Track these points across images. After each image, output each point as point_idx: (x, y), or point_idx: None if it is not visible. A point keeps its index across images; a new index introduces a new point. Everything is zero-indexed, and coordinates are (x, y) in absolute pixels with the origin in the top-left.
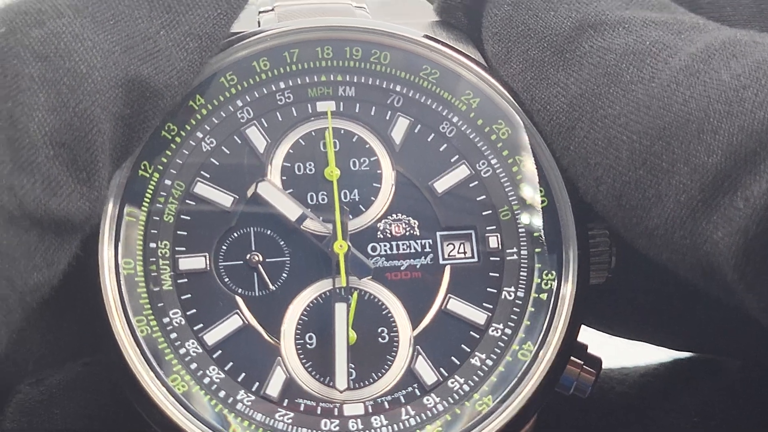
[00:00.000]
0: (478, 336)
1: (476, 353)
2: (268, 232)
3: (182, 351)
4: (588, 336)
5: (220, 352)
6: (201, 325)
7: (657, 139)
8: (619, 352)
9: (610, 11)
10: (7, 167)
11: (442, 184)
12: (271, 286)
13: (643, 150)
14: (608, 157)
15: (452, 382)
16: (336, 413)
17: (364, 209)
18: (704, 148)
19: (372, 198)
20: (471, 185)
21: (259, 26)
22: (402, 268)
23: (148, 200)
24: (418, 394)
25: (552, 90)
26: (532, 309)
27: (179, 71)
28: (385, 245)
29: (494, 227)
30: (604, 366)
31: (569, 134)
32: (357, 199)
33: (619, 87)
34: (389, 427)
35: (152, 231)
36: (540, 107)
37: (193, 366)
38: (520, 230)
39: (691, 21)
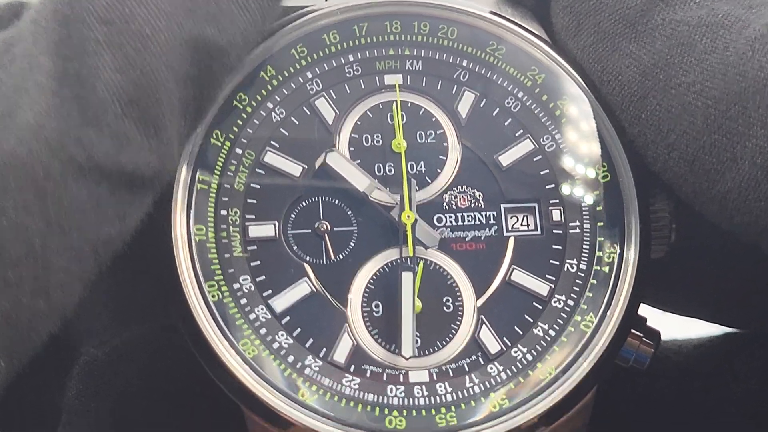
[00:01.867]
0: (540, 307)
1: (539, 323)
2: (336, 201)
3: (252, 316)
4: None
5: (288, 318)
6: (270, 291)
7: (733, 104)
8: (668, 327)
9: None
10: (76, 121)
11: (506, 158)
12: (339, 255)
13: (719, 115)
14: (682, 123)
15: (515, 352)
16: (401, 380)
17: (430, 181)
18: None
19: (438, 170)
20: (535, 159)
21: (328, 0)
22: (467, 239)
23: (219, 168)
24: (482, 362)
25: (624, 61)
26: (594, 281)
27: (243, 30)
28: (450, 216)
29: (557, 201)
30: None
31: (642, 103)
32: (423, 171)
33: (693, 56)
34: (453, 394)
35: (223, 198)
36: (611, 78)
37: (263, 331)
38: (582, 204)
39: None
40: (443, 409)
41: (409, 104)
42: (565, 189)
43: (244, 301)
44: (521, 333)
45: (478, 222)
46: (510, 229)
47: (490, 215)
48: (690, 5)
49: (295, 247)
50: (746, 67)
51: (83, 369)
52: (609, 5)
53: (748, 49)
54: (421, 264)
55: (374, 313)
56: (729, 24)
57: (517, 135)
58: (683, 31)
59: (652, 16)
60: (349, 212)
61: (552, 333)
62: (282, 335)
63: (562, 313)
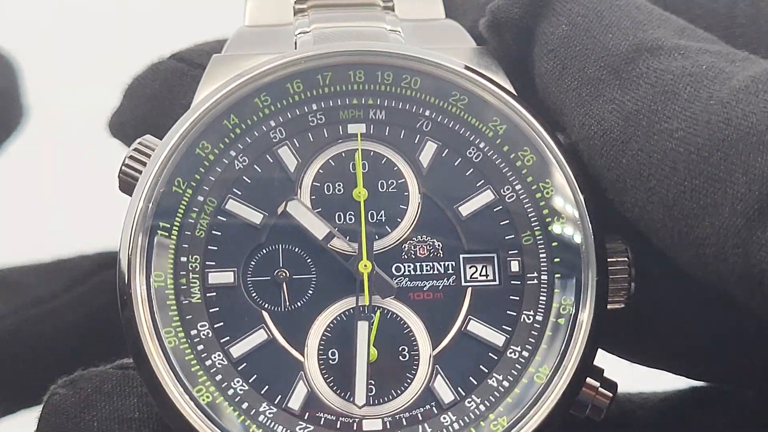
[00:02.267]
0: (496, 357)
1: (494, 374)
2: (296, 249)
3: (208, 363)
4: (606, 362)
5: (245, 364)
6: (228, 337)
7: (715, 150)
8: (635, 379)
9: (666, 38)
10: None
11: (467, 208)
12: (296, 302)
13: (701, 161)
14: (664, 168)
15: (469, 402)
16: (355, 428)
17: (389, 230)
18: (764, 158)
19: (398, 219)
20: (495, 210)
21: (296, 48)
22: (425, 289)
23: (180, 215)
24: (436, 412)
25: (608, 106)
26: (550, 333)
27: None
28: (409, 266)
29: (516, 251)
30: (624, 390)
31: (623, 147)
32: (383, 220)
33: (677, 104)
34: None
35: (183, 245)
36: (593, 122)
37: (219, 377)
38: (541, 255)
39: (743, 54)
40: None
41: (372, 153)
42: (525, 240)
43: (201, 347)
44: (476, 383)
45: (436, 272)
46: (468, 279)
47: (448, 265)
48: (675, 56)
49: (254, 294)
50: (730, 115)
51: (52, 409)
52: (594, 52)
53: (732, 98)
54: (378, 313)
55: (330, 361)
56: (713, 75)
57: (477, 185)
58: (667, 80)
59: (637, 65)
60: (309, 260)
61: (506, 384)
62: (238, 382)
63: (516, 364)
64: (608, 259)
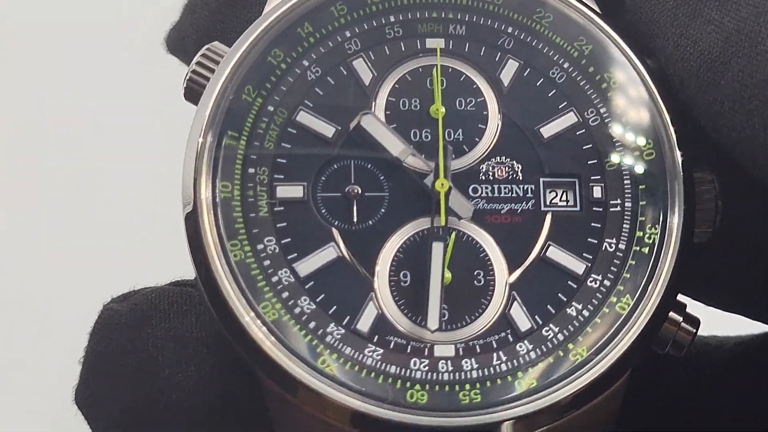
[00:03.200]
0: (575, 286)
1: (573, 303)
2: (369, 166)
3: (274, 279)
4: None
5: (312, 282)
6: (295, 254)
7: None
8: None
9: None
10: None
11: (548, 130)
12: (368, 221)
13: None
14: (766, 89)
15: (546, 331)
16: (426, 353)
17: (467, 150)
18: None
19: (476, 139)
20: (578, 133)
21: None
22: (502, 212)
23: (249, 125)
24: (511, 340)
25: (706, 27)
26: (633, 262)
27: None
28: (486, 187)
29: (599, 177)
30: (699, 333)
31: (722, 69)
32: (461, 139)
33: None
34: (479, 371)
35: (252, 156)
36: (690, 43)
37: (285, 295)
38: (625, 182)
39: None
40: (467, 386)
41: (450, 69)
42: (608, 165)
43: (267, 262)
44: (553, 312)
45: (515, 195)
46: (548, 204)
47: (527, 188)
48: None
49: (323, 210)
50: None
51: (105, 324)
52: None
53: None
54: (453, 235)
55: (401, 283)
56: None
57: (560, 107)
58: None
59: None
60: (382, 177)
61: (586, 313)
62: (305, 300)
63: (597, 294)
64: (695, 189)
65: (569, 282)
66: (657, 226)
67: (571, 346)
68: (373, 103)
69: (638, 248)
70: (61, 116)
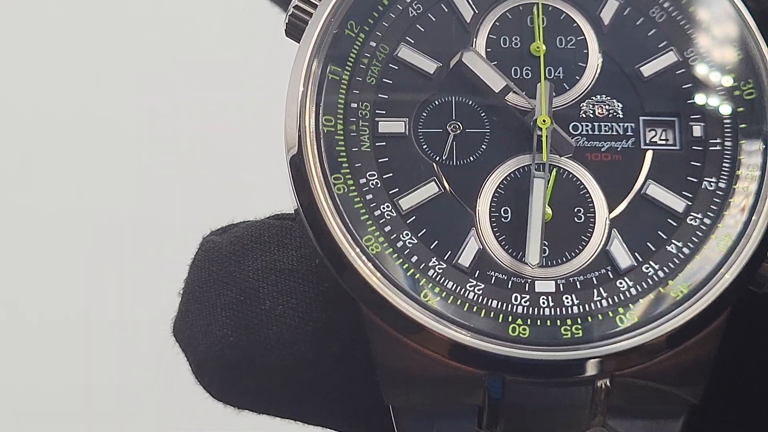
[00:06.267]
0: (675, 224)
1: (673, 241)
2: (470, 102)
3: (377, 213)
4: None
5: (414, 217)
6: (397, 189)
7: None
8: None
9: None
10: None
11: (648, 69)
12: (470, 157)
13: None
14: None
15: (647, 268)
16: (527, 288)
17: (568, 88)
18: None
19: (576, 77)
20: (678, 72)
21: None
22: (602, 150)
23: (352, 60)
24: (611, 276)
25: None
26: (733, 201)
27: None
28: (586, 125)
29: (699, 116)
30: None
31: None
32: (561, 77)
33: None
34: (580, 306)
35: (354, 91)
36: None
37: (387, 228)
38: (725, 121)
39: None
40: (569, 321)
41: (550, 8)
42: (708, 104)
43: (369, 196)
44: (654, 249)
45: (615, 133)
46: (648, 142)
47: (627, 127)
48: None
49: (425, 146)
50: None
51: (206, 255)
52: None
53: None
54: (554, 172)
55: (502, 219)
56: None
57: (660, 46)
58: None
59: None
60: (483, 114)
61: (686, 251)
62: (407, 234)
63: (697, 231)
64: None
65: (669, 220)
66: (757, 165)
67: (671, 282)
68: (474, 40)
69: (738, 187)
70: (159, 56)
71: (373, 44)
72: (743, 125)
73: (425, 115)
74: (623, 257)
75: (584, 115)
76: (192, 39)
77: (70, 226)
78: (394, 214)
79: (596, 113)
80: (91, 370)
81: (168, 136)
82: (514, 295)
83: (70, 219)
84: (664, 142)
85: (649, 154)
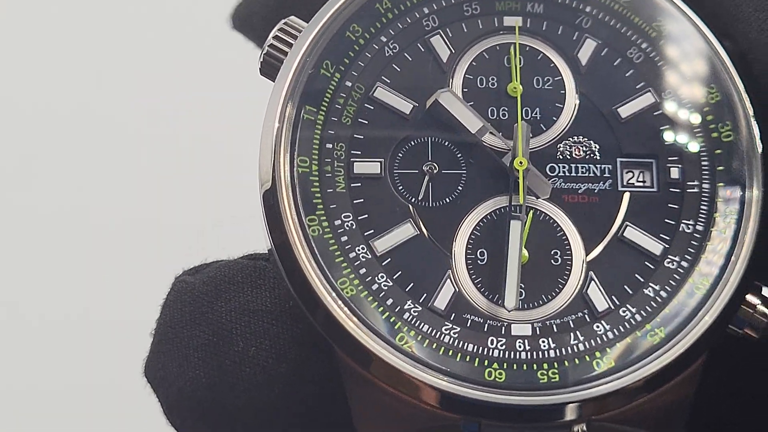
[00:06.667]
0: (653, 267)
1: (650, 284)
2: (446, 143)
3: (352, 255)
4: None
5: (389, 259)
6: (372, 230)
7: None
8: None
9: None
10: None
11: (626, 110)
12: (446, 198)
13: None
14: None
15: (624, 311)
16: (503, 332)
17: (545, 128)
18: None
19: (554, 118)
20: (655, 113)
21: None
22: (579, 191)
23: (327, 100)
24: (588, 320)
25: None
26: (711, 244)
27: None
28: (563, 167)
29: (676, 158)
30: None
31: None
32: (538, 118)
33: None
34: (556, 350)
35: (329, 131)
36: None
37: (362, 271)
38: (703, 163)
39: None
40: (545, 365)
41: (528, 48)
42: (686, 146)
43: (344, 238)
44: (631, 292)
45: (592, 174)
46: (625, 183)
47: (605, 168)
48: None
49: (400, 187)
50: None
51: (178, 296)
52: None
53: None
54: (530, 213)
55: (478, 261)
56: None
57: (638, 87)
58: None
59: None
60: (459, 155)
61: (663, 294)
62: (382, 277)
63: (675, 275)
64: None
65: (646, 263)
66: (735, 208)
67: (648, 326)
68: (451, 81)
69: (716, 230)
70: (158, 55)
71: (349, 84)
72: (721, 167)
73: (401, 155)
74: (600, 300)
75: (561, 157)
76: (191, 39)
77: (70, 226)
78: (369, 256)
79: (573, 154)
80: (90, 369)
81: (168, 136)
82: (490, 338)
83: (69, 218)
84: (641, 184)
85: (626, 196)
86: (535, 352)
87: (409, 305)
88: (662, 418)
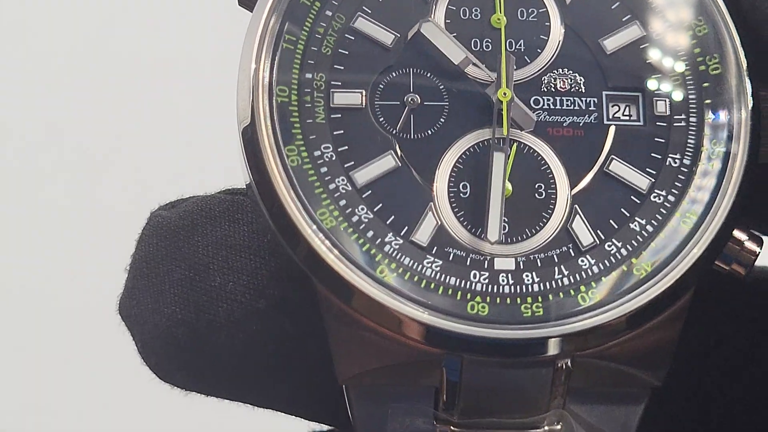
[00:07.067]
0: (639, 201)
1: (636, 218)
2: (428, 74)
3: (331, 186)
4: None
5: (369, 192)
6: (352, 162)
7: None
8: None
9: None
10: None
11: (611, 43)
12: (427, 130)
13: None
14: None
15: (609, 246)
16: (486, 266)
17: (529, 60)
18: None
19: (538, 50)
20: (642, 46)
21: None
22: (564, 125)
23: (307, 29)
24: (573, 254)
25: None
26: (698, 178)
27: None
28: (548, 99)
29: (663, 92)
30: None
31: None
32: (523, 50)
33: None
34: (541, 284)
35: (309, 61)
36: None
37: (342, 203)
38: (690, 97)
39: None
40: (529, 299)
41: None
42: (672, 79)
43: (324, 169)
44: (616, 227)
45: (577, 107)
46: (611, 117)
47: (590, 101)
48: None
49: (381, 119)
50: None
51: (154, 231)
52: None
53: None
54: (514, 146)
55: (461, 194)
56: None
57: (624, 20)
58: None
59: None
60: (441, 87)
61: (649, 228)
62: (362, 209)
63: (661, 209)
64: (761, 106)
65: (632, 197)
66: (722, 142)
67: (634, 260)
68: (433, 11)
69: (703, 164)
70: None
71: (329, 13)
72: (708, 101)
73: (382, 87)
74: (585, 234)
75: (546, 89)
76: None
77: (70, 226)
78: (350, 188)
79: (558, 87)
80: (91, 369)
81: (169, 136)
82: (472, 272)
83: (68, 219)
84: (627, 118)
85: (612, 130)
86: (518, 286)
87: (390, 238)
88: (648, 356)
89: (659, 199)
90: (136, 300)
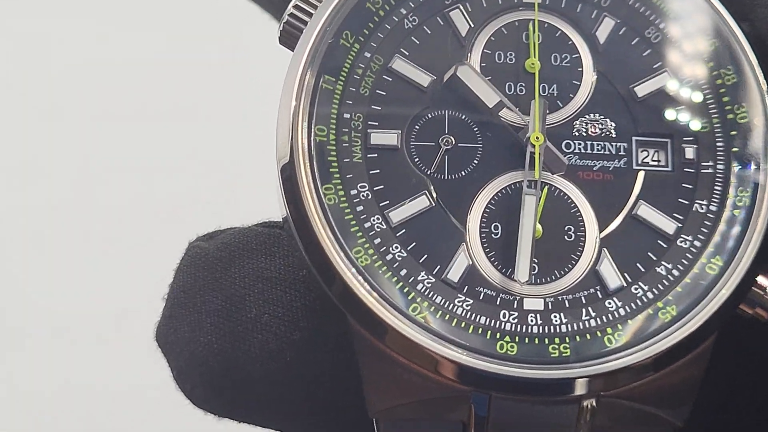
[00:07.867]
0: (665, 245)
1: (663, 262)
2: (463, 116)
3: (367, 225)
4: None
5: (404, 230)
6: (387, 201)
7: None
8: None
9: None
10: None
11: (642, 89)
12: (461, 171)
13: None
14: None
15: (636, 288)
16: (515, 306)
17: (561, 105)
18: None
19: (570, 95)
20: (671, 93)
21: None
22: (594, 169)
23: (346, 71)
24: (600, 296)
25: None
26: (724, 225)
27: None
28: (579, 143)
29: (691, 138)
30: None
31: None
32: (555, 95)
33: None
34: (568, 325)
35: (347, 102)
36: None
37: (377, 241)
38: (718, 144)
39: None
40: (557, 340)
41: (546, 25)
42: (702, 127)
43: (360, 208)
44: (643, 270)
45: (607, 152)
46: (640, 162)
47: (620, 146)
48: None
49: (416, 159)
50: None
51: (192, 261)
52: None
53: None
54: (545, 189)
55: (492, 235)
56: None
57: (654, 67)
58: None
59: None
60: (476, 129)
61: (675, 273)
62: (396, 247)
63: (687, 254)
64: None
65: (659, 241)
66: (749, 189)
67: (660, 304)
68: (469, 55)
69: (730, 211)
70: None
71: (368, 55)
72: (735, 149)
73: (418, 128)
74: (612, 277)
75: (577, 134)
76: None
77: (69, 225)
78: (384, 227)
79: (589, 132)
80: (90, 369)
81: (170, 137)
82: (502, 311)
83: (69, 218)
84: (656, 163)
85: (640, 175)
86: (546, 327)
87: (423, 276)
88: (671, 396)
89: (686, 243)
90: (173, 328)
